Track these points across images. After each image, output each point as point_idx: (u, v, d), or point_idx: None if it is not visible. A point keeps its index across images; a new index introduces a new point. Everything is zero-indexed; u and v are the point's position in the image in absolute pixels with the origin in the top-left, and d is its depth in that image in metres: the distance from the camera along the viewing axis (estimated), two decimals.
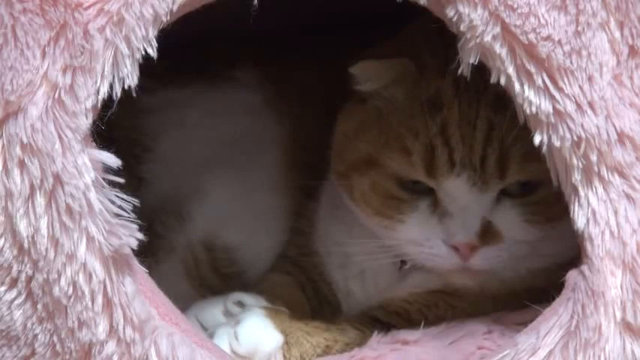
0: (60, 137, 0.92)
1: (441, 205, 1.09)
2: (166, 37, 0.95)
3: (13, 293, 0.95)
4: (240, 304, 1.22)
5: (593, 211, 0.94)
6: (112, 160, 0.95)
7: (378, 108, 1.13)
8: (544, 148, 0.95)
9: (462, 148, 1.06)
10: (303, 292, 1.28)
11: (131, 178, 1.24)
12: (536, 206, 1.09)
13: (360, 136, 1.14)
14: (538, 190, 1.08)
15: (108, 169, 0.95)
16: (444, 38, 1.01)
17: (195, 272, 1.37)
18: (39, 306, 0.95)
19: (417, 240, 1.11)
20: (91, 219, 0.93)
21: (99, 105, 0.94)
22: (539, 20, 0.92)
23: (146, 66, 0.94)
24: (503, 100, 1.03)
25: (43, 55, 0.92)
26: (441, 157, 1.07)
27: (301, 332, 1.14)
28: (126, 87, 0.93)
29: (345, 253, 1.24)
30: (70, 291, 0.93)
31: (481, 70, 0.96)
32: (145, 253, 0.99)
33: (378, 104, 1.13)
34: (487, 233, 1.08)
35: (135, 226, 0.95)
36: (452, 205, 1.08)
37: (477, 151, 1.06)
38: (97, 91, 0.93)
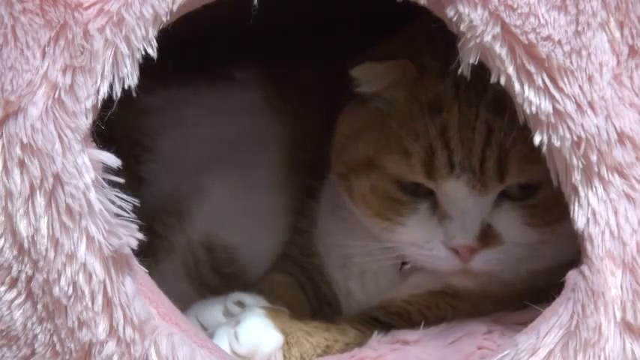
0: (60, 137, 0.92)
1: (440, 208, 1.09)
2: (166, 37, 0.95)
3: (13, 293, 0.95)
4: (241, 304, 1.21)
5: (593, 211, 0.94)
6: (112, 160, 0.95)
7: (378, 109, 1.13)
8: (544, 148, 0.95)
9: (462, 151, 1.06)
10: (303, 292, 1.28)
11: (131, 178, 1.24)
12: (535, 209, 1.09)
13: (360, 137, 1.14)
14: (538, 193, 1.08)
15: (108, 169, 0.95)
16: (445, 38, 1.01)
17: (195, 272, 1.37)
18: (39, 306, 0.94)
19: (417, 242, 1.11)
20: (91, 219, 0.93)
21: (99, 105, 0.94)
22: (539, 20, 0.92)
23: (146, 66, 0.94)
24: (502, 102, 1.03)
25: (43, 55, 0.92)
26: (441, 159, 1.07)
27: (301, 332, 1.14)
28: (126, 87, 0.93)
29: (346, 254, 1.24)
30: (70, 291, 0.93)
31: (481, 71, 0.96)
32: (145, 253, 0.99)
33: (379, 106, 1.13)
34: (487, 236, 1.08)
35: (135, 226, 0.95)
36: (451, 207, 1.08)
37: (476, 154, 1.06)
38: (97, 91, 0.93)
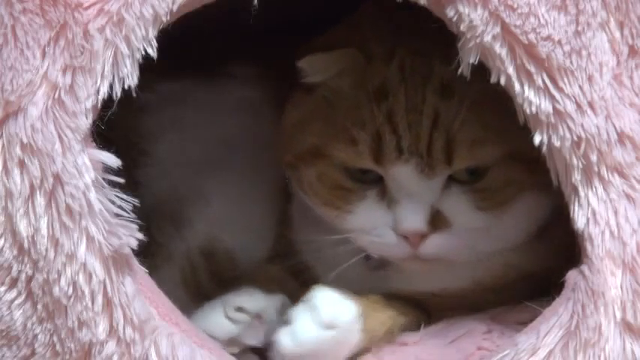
0: (60, 137, 0.92)
1: (389, 193, 1.09)
2: (166, 36, 0.95)
3: (13, 293, 0.95)
4: (241, 310, 1.20)
5: (593, 211, 0.94)
6: (112, 160, 0.95)
7: (324, 98, 1.12)
8: (544, 148, 0.95)
9: (409, 135, 1.06)
10: (296, 282, 1.27)
11: (128, 181, 1.24)
12: (484, 192, 1.08)
13: (306, 126, 1.13)
14: (486, 176, 1.08)
15: (108, 169, 0.95)
16: (390, 24, 0.99)
17: (191, 279, 1.36)
18: (39, 306, 0.94)
19: (366, 229, 1.10)
20: (91, 219, 0.93)
21: (99, 105, 0.94)
22: (539, 20, 0.92)
23: (146, 65, 0.94)
24: (450, 86, 1.04)
25: (43, 55, 0.92)
26: (389, 144, 1.06)
27: (367, 306, 1.11)
28: (126, 87, 0.94)
29: (316, 248, 1.23)
30: (70, 291, 0.93)
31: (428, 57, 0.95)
32: (144, 253, 0.99)
33: (325, 94, 1.12)
34: (436, 220, 1.08)
35: (135, 226, 0.96)
36: (400, 192, 1.08)
37: (423, 138, 1.05)
38: (97, 91, 0.93)
